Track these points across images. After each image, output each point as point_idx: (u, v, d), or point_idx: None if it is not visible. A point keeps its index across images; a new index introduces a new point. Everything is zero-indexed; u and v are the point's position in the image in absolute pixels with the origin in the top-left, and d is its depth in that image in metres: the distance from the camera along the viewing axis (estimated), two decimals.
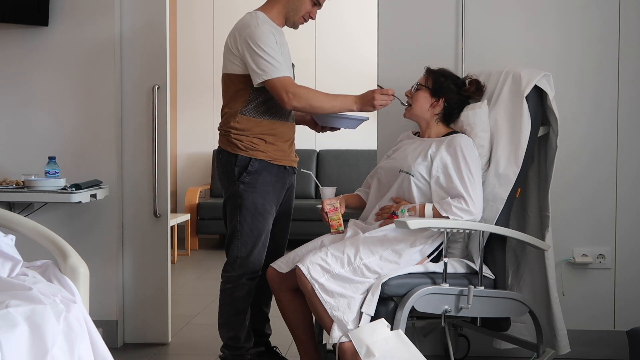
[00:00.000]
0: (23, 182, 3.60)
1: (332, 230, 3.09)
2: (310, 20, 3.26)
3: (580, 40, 3.61)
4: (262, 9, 3.23)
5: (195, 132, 7.70)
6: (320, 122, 3.30)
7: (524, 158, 3.06)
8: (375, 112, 3.65)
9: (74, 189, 3.51)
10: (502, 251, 3.13)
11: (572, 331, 3.40)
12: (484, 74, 3.31)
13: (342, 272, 2.85)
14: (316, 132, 3.49)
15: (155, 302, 3.89)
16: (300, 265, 2.87)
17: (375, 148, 3.73)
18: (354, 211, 3.34)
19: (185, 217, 6.81)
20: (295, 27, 3.28)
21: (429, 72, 3.20)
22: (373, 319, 2.81)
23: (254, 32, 3.08)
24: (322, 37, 7.56)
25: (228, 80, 3.19)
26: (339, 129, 3.32)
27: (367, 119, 3.24)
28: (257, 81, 3.07)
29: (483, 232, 2.96)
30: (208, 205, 7.02)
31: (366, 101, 3.13)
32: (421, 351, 2.78)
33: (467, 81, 3.23)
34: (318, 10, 3.25)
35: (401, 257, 2.92)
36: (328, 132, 3.38)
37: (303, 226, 5.94)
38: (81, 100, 3.82)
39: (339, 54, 7.53)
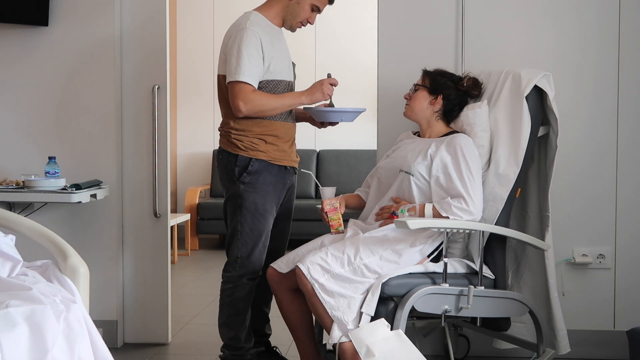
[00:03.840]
0: (23, 182, 3.60)
1: (332, 230, 3.09)
2: (308, 24, 3.26)
3: (580, 40, 3.61)
4: (260, 8, 3.24)
5: (195, 132, 7.70)
6: (316, 118, 3.30)
7: (524, 158, 3.06)
8: (376, 112, 3.67)
9: (74, 189, 3.51)
10: (502, 251, 3.14)
11: (572, 331, 3.39)
12: (484, 74, 3.31)
13: (342, 272, 2.85)
14: (317, 130, 3.49)
15: (155, 302, 3.89)
16: (300, 265, 2.87)
17: (375, 148, 3.72)
18: (354, 211, 3.34)
19: (185, 217, 6.81)
20: (292, 30, 3.28)
21: (426, 72, 3.22)
22: (373, 319, 2.81)
23: (238, 34, 3.09)
24: (322, 36, 7.55)
25: (224, 80, 3.18)
26: (338, 123, 3.32)
27: (364, 110, 3.23)
28: (227, 80, 3.09)
29: (483, 232, 2.96)
30: (208, 205, 7.02)
31: (315, 90, 3.16)
32: (421, 351, 2.78)
33: (464, 78, 3.24)
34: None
35: (401, 257, 2.92)
36: (329, 127, 3.37)
37: (303, 226, 5.93)
38: (81, 100, 3.82)
39: (339, 53, 7.52)
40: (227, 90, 3.14)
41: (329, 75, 3.21)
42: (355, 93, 7.06)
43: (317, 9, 3.21)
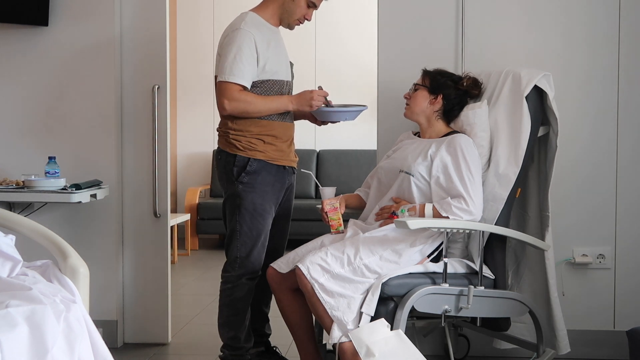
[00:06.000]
0: (23, 182, 3.60)
1: (332, 230, 3.09)
2: (306, 21, 3.25)
3: (580, 40, 3.61)
4: (257, 9, 3.23)
5: (195, 132, 7.70)
6: (318, 118, 3.29)
7: (524, 158, 3.06)
8: (376, 112, 3.67)
9: (74, 189, 3.51)
10: (502, 251, 3.14)
11: (572, 331, 3.39)
12: (484, 74, 3.31)
13: (342, 272, 2.85)
14: (317, 130, 3.48)
15: (155, 302, 3.89)
16: (300, 265, 2.87)
17: (375, 148, 3.72)
18: (354, 211, 3.34)
19: (185, 217, 6.81)
20: (290, 28, 3.27)
21: (426, 72, 3.22)
22: (373, 319, 2.81)
23: (232, 34, 3.09)
24: (322, 37, 7.55)
25: None
26: (339, 121, 3.31)
27: (366, 107, 3.23)
28: (218, 79, 3.11)
29: (483, 232, 2.96)
30: (208, 205, 7.02)
31: (304, 100, 3.14)
32: (421, 351, 2.78)
33: (464, 77, 3.24)
34: (315, 11, 3.24)
35: (401, 257, 2.92)
36: (329, 125, 3.36)
37: (303, 226, 5.94)
38: (81, 100, 3.82)
39: (339, 54, 7.51)
40: None
41: (320, 88, 3.20)
42: (355, 93, 7.04)
43: (313, 5, 3.20)
